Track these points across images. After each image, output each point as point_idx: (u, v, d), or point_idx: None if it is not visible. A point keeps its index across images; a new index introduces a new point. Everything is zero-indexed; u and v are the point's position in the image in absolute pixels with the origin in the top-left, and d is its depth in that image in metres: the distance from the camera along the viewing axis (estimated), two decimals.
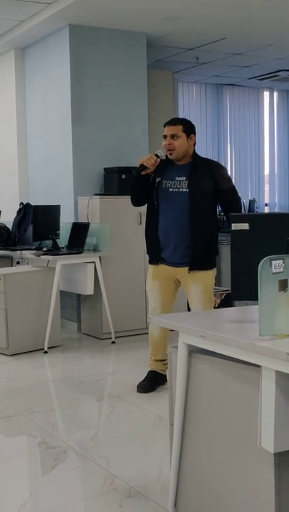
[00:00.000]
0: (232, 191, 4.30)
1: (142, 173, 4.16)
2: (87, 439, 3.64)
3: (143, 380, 4.47)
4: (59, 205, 6.18)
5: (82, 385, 4.70)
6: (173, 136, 4.17)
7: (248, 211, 8.98)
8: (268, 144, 9.92)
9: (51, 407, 4.31)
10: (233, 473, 2.30)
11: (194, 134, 4.25)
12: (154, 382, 4.45)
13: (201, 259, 4.19)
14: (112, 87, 6.47)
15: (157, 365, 4.47)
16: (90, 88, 6.37)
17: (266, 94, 9.82)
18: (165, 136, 4.21)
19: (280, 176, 10.07)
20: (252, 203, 9.17)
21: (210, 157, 9.46)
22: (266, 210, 9.87)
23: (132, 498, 2.90)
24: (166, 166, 4.24)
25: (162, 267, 4.30)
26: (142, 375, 4.54)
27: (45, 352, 5.59)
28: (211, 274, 4.26)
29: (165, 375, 4.45)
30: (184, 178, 4.18)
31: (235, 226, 2.44)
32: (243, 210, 9.02)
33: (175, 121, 4.28)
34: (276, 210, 9.88)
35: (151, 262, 4.37)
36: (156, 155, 4.17)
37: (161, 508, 2.77)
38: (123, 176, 6.05)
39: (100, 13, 5.93)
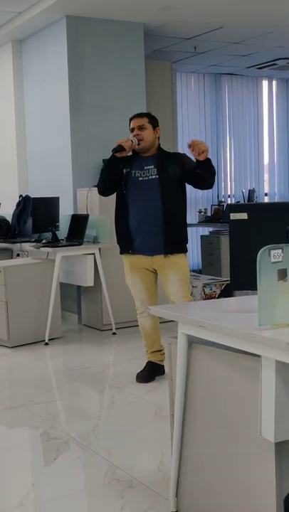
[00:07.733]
0: (206, 162, 4.08)
1: (118, 155, 4.19)
2: (89, 430, 3.65)
3: (141, 371, 4.49)
4: (58, 197, 6.17)
5: (83, 377, 4.71)
6: (140, 128, 4.27)
7: (248, 201, 8.97)
8: (267, 134, 9.89)
9: (52, 398, 4.32)
10: (233, 463, 2.31)
11: (159, 128, 4.35)
12: (152, 372, 4.48)
13: (175, 242, 4.28)
14: (110, 78, 6.44)
15: (155, 356, 4.51)
16: (87, 79, 6.35)
17: (265, 83, 9.79)
18: (132, 129, 4.30)
19: (279, 165, 10.05)
20: (251, 192, 9.15)
21: (209, 147, 9.52)
22: (266, 199, 9.86)
23: (133, 488, 2.91)
24: (133, 158, 4.32)
25: (137, 258, 4.36)
26: (142, 366, 4.55)
27: (46, 344, 5.60)
28: (185, 258, 4.35)
29: (163, 366, 4.49)
30: (153, 167, 4.27)
31: (233, 216, 2.43)
32: (243, 200, 9.04)
33: (141, 114, 4.41)
34: (276, 200, 9.87)
35: (122, 252, 4.44)
36: (131, 140, 4.23)
37: (162, 498, 2.78)
38: None
39: (97, 4, 5.90)
